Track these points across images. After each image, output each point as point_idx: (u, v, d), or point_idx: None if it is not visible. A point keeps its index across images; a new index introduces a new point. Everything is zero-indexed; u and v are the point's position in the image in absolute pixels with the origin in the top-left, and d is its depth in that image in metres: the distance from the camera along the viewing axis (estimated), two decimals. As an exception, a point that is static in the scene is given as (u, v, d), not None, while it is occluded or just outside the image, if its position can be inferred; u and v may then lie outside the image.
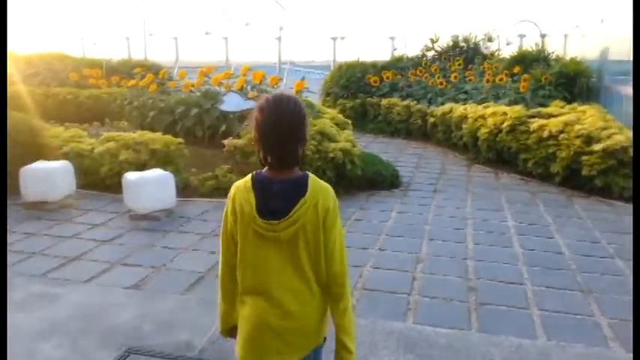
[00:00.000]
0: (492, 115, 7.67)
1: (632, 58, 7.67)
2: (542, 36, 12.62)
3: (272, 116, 1.57)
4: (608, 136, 6.09)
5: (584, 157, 6.10)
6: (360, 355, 2.29)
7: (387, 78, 11.78)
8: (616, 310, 3.32)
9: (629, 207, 5.68)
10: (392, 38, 15.07)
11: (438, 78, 10.63)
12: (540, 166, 6.74)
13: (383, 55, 14.20)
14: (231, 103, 6.85)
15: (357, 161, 6.15)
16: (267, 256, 1.61)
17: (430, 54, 13.17)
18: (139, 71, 9.89)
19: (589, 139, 6.20)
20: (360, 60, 12.91)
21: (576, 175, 6.28)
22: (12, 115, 5.94)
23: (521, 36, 13.61)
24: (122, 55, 15.96)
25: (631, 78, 7.33)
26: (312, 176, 1.64)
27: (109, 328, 3.06)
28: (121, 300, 3.44)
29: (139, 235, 4.71)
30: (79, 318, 3.19)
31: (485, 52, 12.87)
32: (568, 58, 10.73)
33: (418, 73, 11.49)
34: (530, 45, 11.07)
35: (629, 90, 7.37)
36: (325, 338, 1.73)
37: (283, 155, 1.59)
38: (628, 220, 5.22)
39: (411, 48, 15.40)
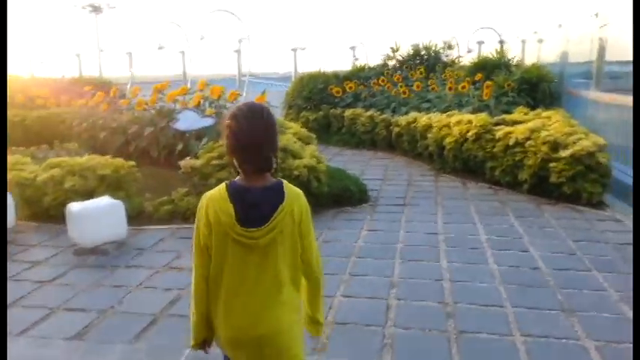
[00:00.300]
0: (457, 123, 7.55)
1: (591, 59, 7.72)
2: (501, 42, 12.71)
3: (248, 124, 1.63)
4: (575, 142, 6.01)
5: (551, 164, 6.00)
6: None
7: (350, 88, 11.61)
8: (601, 331, 3.13)
9: (599, 213, 5.59)
10: (352, 48, 14.94)
11: (401, 87, 10.51)
12: (508, 175, 6.62)
13: (344, 65, 14.07)
14: (186, 122, 6.46)
15: (323, 178, 5.87)
16: (245, 263, 1.65)
17: (391, 63, 13.10)
18: (88, 89, 9.35)
19: (556, 146, 6.11)
20: (322, 70, 12.72)
21: (544, 182, 6.18)
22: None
23: (480, 43, 13.69)
24: (73, 73, 15.30)
25: (593, 82, 7.35)
26: (285, 182, 1.71)
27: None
28: (58, 355, 3.02)
29: (85, 273, 4.28)
30: (9, 380, 2.77)
31: (446, 59, 12.88)
32: (527, 63, 10.81)
33: (381, 82, 11.36)
34: (489, 51, 11.08)
35: (591, 94, 7.40)
36: None
37: (260, 162, 1.64)
38: (599, 227, 5.10)
39: (372, 57, 15.33)
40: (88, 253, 4.63)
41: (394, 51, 13.15)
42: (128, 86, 11.17)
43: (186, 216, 5.42)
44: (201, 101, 7.50)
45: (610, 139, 6.23)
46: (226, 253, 1.65)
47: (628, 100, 6.08)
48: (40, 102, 10.99)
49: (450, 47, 13.25)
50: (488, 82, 8.54)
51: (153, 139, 7.35)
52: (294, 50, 15.67)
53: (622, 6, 6.89)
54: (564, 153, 5.93)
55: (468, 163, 7.35)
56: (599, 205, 5.79)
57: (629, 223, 5.17)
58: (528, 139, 6.39)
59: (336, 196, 6.07)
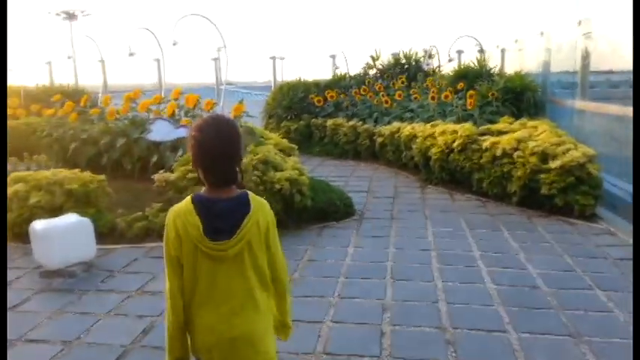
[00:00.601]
0: (442, 133, 7.37)
1: (576, 68, 7.65)
2: (480, 51, 12.66)
3: (212, 136, 1.64)
4: (564, 153, 5.86)
5: (541, 176, 5.83)
6: None
7: (331, 97, 11.40)
8: (615, 359, 2.91)
9: (593, 226, 5.43)
10: (333, 56, 14.75)
11: (383, 96, 10.33)
12: (496, 186, 6.44)
13: (325, 74, 13.85)
14: (160, 132, 6.12)
15: (306, 191, 5.58)
16: (216, 273, 1.68)
17: (372, 72, 12.94)
18: (57, 99, 8.90)
19: (544, 157, 5.95)
20: (302, 79, 12.50)
21: (534, 194, 6.01)
22: None
23: (460, 52, 13.63)
24: (45, 81, 14.73)
25: (578, 91, 7.27)
26: (250, 193, 1.74)
27: None
28: (14, 399, 2.66)
29: (50, 298, 3.90)
30: None
31: (427, 69, 12.77)
32: (507, 72, 10.75)
33: (362, 92, 11.18)
34: (471, 60, 10.98)
35: (577, 103, 7.30)
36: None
37: (225, 174, 1.66)
38: (595, 242, 4.93)
39: (352, 66, 15.10)
40: (54, 276, 4.25)
41: (374, 60, 13.00)
42: (100, 95, 10.73)
43: (162, 233, 4.92)
44: (176, 110, 7.17)
45: (598, 150, 6.11)
46: (197, 264, 1.67)
47: (616, 109, 5.98)
48: (10, 112, 10.46)
49: (430, 56, 13.17)
50: (472, 92, 8.40)
51: (126, 150, 6.99)
52: (273, 59, 15.43)
53: (606, 14, 6.84)
54: (554, 164, 5.77)
55: (454, 174, 7.17)
56: (592, 217, 5.63)
57: (623, 237, 5.02)
58: (516, 149, 6.23)
59: (321, 210, 5.79)
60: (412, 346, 3.08)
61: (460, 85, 9.38)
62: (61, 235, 4.25)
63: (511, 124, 7.37)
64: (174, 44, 9.81)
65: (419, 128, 8.06)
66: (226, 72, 10.21)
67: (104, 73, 13.97)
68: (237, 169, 1.68)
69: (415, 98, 10.11)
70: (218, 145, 1.63)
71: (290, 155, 6.53)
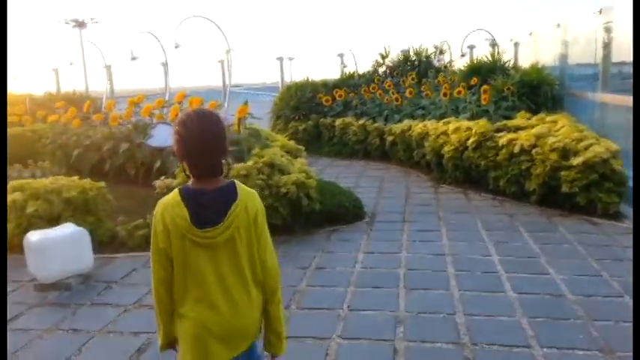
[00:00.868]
0: (455, 130, 7.08)
1: (596, 60, 7.30)
2: (493, 45, 12.28)
3: (197, 129, 1.65)
4: (586, 148, 5.55)
5: (562, 173, 5.52)
6: None
7: (340, 96, 11.15)
8: (653, 377, 2.61)
9: (618, 225, 5.12)
10: (341, 55, 14.48)
11: (393, 94, 10.05)
12: (513, 184, 6.14)
13: (333, 73, 13.62)
14: (160, 137, 5.91)
15: (314, 194, 5.34)
16: (207, 263, 1.67)
17: (381, 70, 12.65)
18: (60, 105, 8.77)
19: (565, 153, 5.65)
20: (310, 79, 12.27)
21: (554, 192, 5.70)
22: None
23: (472, 47, 13.26)
24: (52, 88, 14.68)
25: (599, 83, 6.91)
26: (238, 182, 1.75)
27: None
28: None
29: (43, 314, 3.70)
30: None
31: (438, 64, 12.44)
32: (521, 65, 10.39)
33: (371, 90, 10.90)
34: (484, 54, 10.62)
35: (598, 96, 6.94)
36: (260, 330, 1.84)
37: (211, 166, 1.68)
38: (621, 242, 4.62)
39: (361, 64, 14.80)
40: (50, 289, 4.07)
41: (384, 57, 12.72)
42: (103, 100, 10.61)
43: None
44: (180, 114, 6.96)
45: (621, 144, 5.77)
46: (187, 256, 1.67)
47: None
48: (15, 119, 10.39)
49: (441, 52, 12.83)
50: (486, 87, 8.08)
51: (129, 156, 6.80)
52: (281, 59, 15.21)
53: (628, 1, 6.48)
54: (575, 160, 5.46)
55: (469, 172, 6.87)
56: (616, 216, 5.31)
57: (652, 237, 4.69)
58: (535, 146, 5.93)
59: (329, 213, 5.54)
60: (428, 365, 2.82)
61: (474, 81, 9.05)
62: (57, 247, 4.06)
63: (529, 119, 7.08)
64: (176, 47, 9.61)
65: (431, 126, 7.78)
66: (230, 74, 9.95)
67: (110, 79, 13.86)
68: (223, 160, 1.70)
69: (427, 95, 9.81)
70: (202, 139, 1.64)
71: (297, 157, 6.29)
